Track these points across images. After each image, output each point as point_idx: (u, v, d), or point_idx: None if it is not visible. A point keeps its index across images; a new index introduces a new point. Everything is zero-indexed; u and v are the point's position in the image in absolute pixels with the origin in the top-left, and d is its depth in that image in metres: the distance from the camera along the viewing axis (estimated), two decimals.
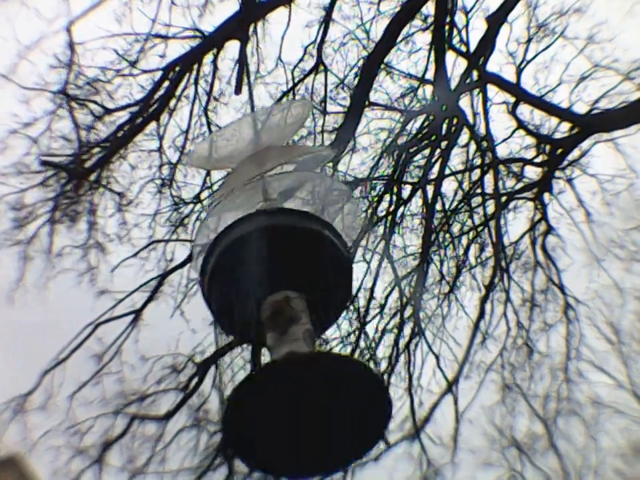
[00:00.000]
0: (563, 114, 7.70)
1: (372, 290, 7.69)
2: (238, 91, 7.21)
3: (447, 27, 7.54)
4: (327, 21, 7.74)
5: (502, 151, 8.04)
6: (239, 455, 1.43)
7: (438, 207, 7.84)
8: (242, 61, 6.98)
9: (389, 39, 7.28)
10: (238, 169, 2.00)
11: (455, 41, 7.71)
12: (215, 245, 1.62)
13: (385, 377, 7.59)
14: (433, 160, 7.83)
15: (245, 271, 1.58)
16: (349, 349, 7.43)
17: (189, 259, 7.62)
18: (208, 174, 7.77)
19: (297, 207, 1.88)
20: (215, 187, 7.61)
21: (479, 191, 7.92)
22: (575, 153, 7.83)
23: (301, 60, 7.88)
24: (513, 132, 7.96)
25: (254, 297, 1.55)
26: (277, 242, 1.60)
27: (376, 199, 7.87)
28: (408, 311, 7.80)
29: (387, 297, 7.75)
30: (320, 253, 1.61)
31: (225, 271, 1.60)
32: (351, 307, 7.43)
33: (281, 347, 1.41)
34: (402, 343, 7.70)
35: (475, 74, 7.67)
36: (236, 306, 1.60)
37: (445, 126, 7.85)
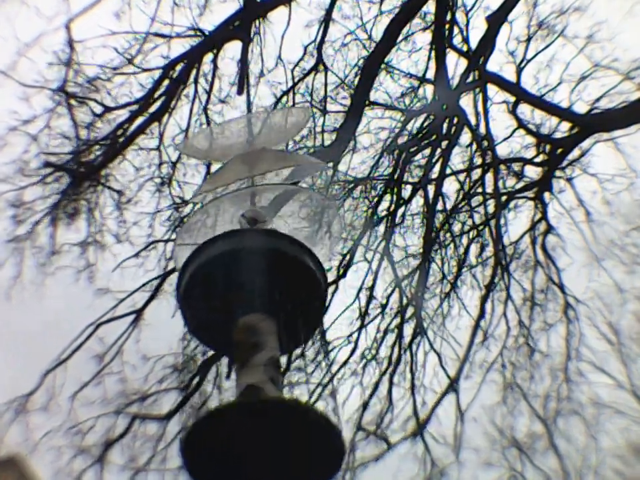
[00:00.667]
0: (563, 113, 7.71)
1: (372, 290, 7.71)
2: (240, 90, 7.26)
3: (447, 27, 7.55)
4: (327, 20, 7.74)
5: (502, 151, 8.08)
6: None
7: (439, 206, 7.86)
8: (244, 61, 6.99)
9: (389, 39, 7.29)
10: (229, 164, 2.00)
11: (456, 40, 7.72)
12: (191, 260, 1.62)
13: (387, 376, 7.63)
14: (434, 160, 7.85)
15: (218, 291, 1.59)
16: (350, 348, 7.46)
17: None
18: (208, 173, 7.76)
19: (288, 220, 1.89)
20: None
21: (479, 190, 7.94)
22: (575, 153, 7.85)
23: (301, 59, 7.88)
24: (513, 131, 7.98)
25: (228, 317, 1.56)
26: (252, 263, 1.59)
27: (376, 198, 7.88)
28: (409, 311, 7.82)
29: (388, 297, 7.77)
30: (295, 277, 1.62)
31: (199, 289, 1.60)
32: (353, 308, 7.46)
33: (241, 378, 1.43)
34: (403, 342, 7.72)
35: (475, 73, 7.68)
36: (209, 324, 1.62)
37: (445, 125, 7.86)
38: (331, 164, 7.23)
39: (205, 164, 7.19)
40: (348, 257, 7.54)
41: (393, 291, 7.80)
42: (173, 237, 7.79)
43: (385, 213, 7.85)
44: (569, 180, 7.99)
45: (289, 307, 1.59)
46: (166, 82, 7.71)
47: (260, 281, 1.58)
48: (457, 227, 8.08)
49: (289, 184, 2.04)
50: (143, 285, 7.49)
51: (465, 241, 8.06)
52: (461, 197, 7.98)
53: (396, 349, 7.72)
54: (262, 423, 1.37)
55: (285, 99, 7.89)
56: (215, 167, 7.44)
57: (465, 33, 7.78)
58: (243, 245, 1.63)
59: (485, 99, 7.76)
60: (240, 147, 2.01)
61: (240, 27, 7.57)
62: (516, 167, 8.15)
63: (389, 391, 7.67)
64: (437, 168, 7.87)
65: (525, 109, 7.95)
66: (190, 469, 1.41)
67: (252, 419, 1.38)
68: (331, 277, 7.31)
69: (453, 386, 7.67)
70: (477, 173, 7.99)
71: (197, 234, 1.90)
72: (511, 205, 8.09)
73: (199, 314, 1.62)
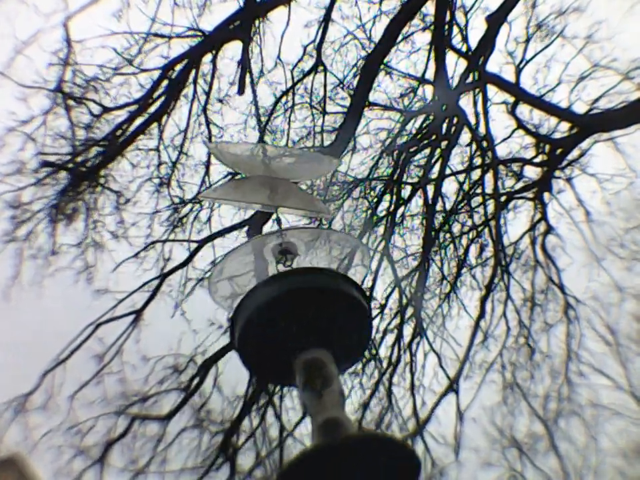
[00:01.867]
0: (563, 114, 7.72)
1: (372, 290, 7.71)
2: (241, 91, 7.27)
3: (446, 27, 7.55)
4: (326, 20, 7.73)
5: (502, 151, 8.09)
6: None
7: (438, 206, 7.86)
8: (244, 62, 6.99)
9: (389, 39, 7.29)
10: (249, 181, 2.03)
11: (455, 40, 7.73)
12: (243, 305, 1.65)
13: (386, 377, 7.64)
14: (433, 160, 7.86)
15: (275, 332, 1.61)
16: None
17: (189, 259, 7.63)
18: (207, 174, 7.77)
19: (318, 253, 1.93)
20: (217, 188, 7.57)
21: (479, 190, 7.95)
22: (575, 153, 7.86)
23: (301, 59, 7.88)
24: (513, 132, 7.99)
25: (285, 356, 1.59)
26: (306, 302, 1.63)
27: (376, 199, 7.89)
28: (409, 311, 7.82)
29: (387, 297, 7.78)
30: (345, 312, 1.66)
31: (255, 332, 1.63)
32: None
33: (322, 413, 1.46)
34: (403, 342, 7.73)
35: (474, 74, 7.68)
36: (269, 363, 1.65)
37: (445, 126, 7.87)
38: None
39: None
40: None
41: (392, 291, 7.81)
42: (172, 237, 7.80)
43: (384, 213, 7.87)
44: (569, 180, 8.01)
45: (342, 339, 1.64)
46: (165, 82, 7.70)
47: (317, 318, 1.62)
48: (456, 227, 8.10)
49: (318, 228, 2.10)
50: (142, 285, 7.49)
51: (464, 241, 8.09)
52: (460, 197, 7.99)
53: (396, 349, 7.73)
54: (353, 460, 1.40)
55: (284, 99, 7.91)
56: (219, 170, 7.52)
57: (464, 34, 7.80)
58: (289, 287, 1.65)
59: (485, 99, 7.77)
60: (260, 167, 2.04)
61: (239, 27, 7.56)
62: (515, 167, 8.17)
63: (389, 391, 7.68)
64: (436, 168, 7.88)
65: (524, 109, 7.98)
66: None
67: (344, 457, 1.40)
68: None
69: (452, 386, 7.67)
70: (476, 173, 8.00)
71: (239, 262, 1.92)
72: (511, 205, 8.12)
73: (258, 356, 1.66)
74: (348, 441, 1.44)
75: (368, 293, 7.38)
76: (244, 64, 7.18)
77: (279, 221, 1.95)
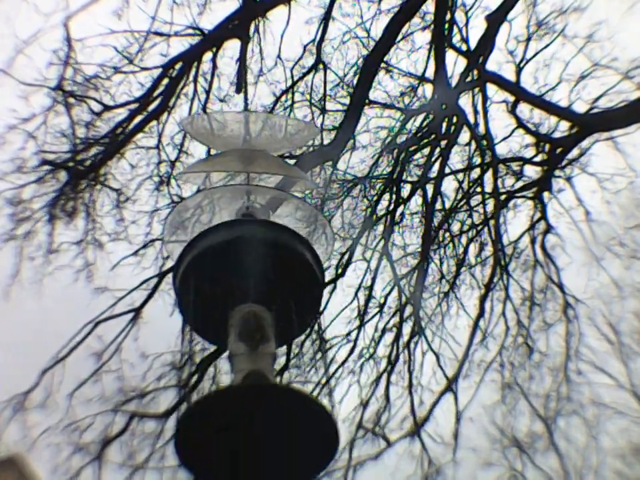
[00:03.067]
0: (563, 113, 7.71)
1: (371, 289, 7.71)
2: (239, 89, 7.27)
3: (446, 26, 7.54)
4: (326, 19, 7.73)
5: (501, 150, 8.08)
6: (187, 468, 1.43)
7: (438, 205, 7.86)
8: (243, 60, 6.99)
9: (389, 38, 7.29)
10: (225, 155, 2.01)
11: (455, 39, 7.72)
12: (190, 248, 1.61)
13: (385, 376, 7.63)
14: (433, 159, 7.85)
15: (216, 279, 1.58)
16: (348, 347, 7.45)
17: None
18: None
19: (284, 221, 1.88)
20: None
21: (478, 189, 7.94)
22: (575, 152, 7.85)
23: (301, 58, 7.88)
24: (513, 131, 7.98)
25: (224, 306, 1.54)
26: (251, 253, 1.59)
27: (375, 197, 7.89)
28: (408, 310, 7.81)
29: (386, 296, 7.77)
30: (294, 270, 1.61)
31: (197, 276, 1.59)
32: (351, 307, 7.44)
33: (251, 365, 1.42)
34: (402, 342, 7.72)
35: (474, 73, 7.68)
36: (206, 312, 1.60)
37: (444, 125, 7.86)
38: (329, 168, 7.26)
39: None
40: (347, 256, 7.55)
41: (391, 290, 7.81)
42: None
43: (384, 212, 7.86)
44: (569, 179, 7.99)
45: (286, 299, 1.58)
46: (165, 81, 7.70)
47: (258, 271, 1.57)
48: (456, 226, 8.10)
49: (284, 190, 2.05)
50: (141, 283, 7.50)
51: (464, 240, 8.08)
52: (460, 196, 7.99)
53: (394, 348, 7.73)
54: (264, 407, 1.37)
55: (284, 97, 7.91)
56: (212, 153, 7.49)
57: (464, 33, 7.79)
58: (242, 233, 1.62)
59: (485, 99, 7.77)
60: (239, 141, 2.02)
61: (239, 25, 7.56)
62: (515, 166, 8.15)
63: (387, 390, 7.67)
64: (436, 167, 7.88)
65: (524, 109, 7.97)
66: (183, 451, 1.39)
67: (254, 402, 1.37)
68: (329, 275, 7.31)
69: (451, 385, 7.66)
70: (476, 172, 8.00)
71: (190, 225, 1.89)
72: (510, 204, 8.11)
73: (196, 303, 1.60)
74: (261, 386, 1.40)
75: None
76: (242, 62, 7.19)
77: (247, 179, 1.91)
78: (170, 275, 7.36)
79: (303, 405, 1.38)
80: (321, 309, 1.78)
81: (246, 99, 7.61)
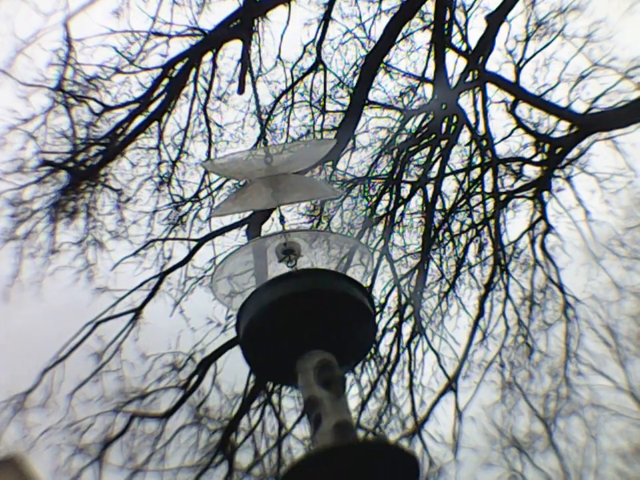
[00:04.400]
0: (562, 113, 7.71)
1: (371, 289, 7.70)
2: (241, 90, 7.28)
3: (446, 26, 7.55)
4: (326, 19, 7.74)
5: (501, 150, 8.08)
6: None
7: (437, 205, 7.86)
8: (244, 61, 7.00)
9: (389, 38, 7.29)
10: (251, 186, 2.04)
11: (455, 39, 7.73)
12: (253, 299, 1.66)
13: (385, 375, 7.63)
14: (433, 159, 7.85)
15: (278, 333, 1.62)
16: None
17: (189, 258, 7.63)
18: (207, 172, 7.77)
19: (318, 253, 1.94)
20: (218, 187, 7.65)
21: (478, 189, 7.94)
22: (574, 152, 7.85)
23: (300, 58, 7.89)
24: (512, 131, 7.98)
25: (288, 357, 1.59)
26: (309, 304, 1.64)
27: (375, 198, 7.89)
28: (408, 310, 7.82)
29: (386, 296, 7.78)
30: (350, 313, 1.66)
31: (258, 335, 1.64)
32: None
33: (335, 414, 1.46)
34: (402, 341, 7.72)
35: (474, 73, 7.68)
36: (271, 363, 1.66)
37: (444, 125, 7.86)
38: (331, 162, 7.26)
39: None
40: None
41: (391, 290, 7.81)
42: (172, 235, 7.81)
43: (383, 212, 7.86)
44: (568, 179, 8.00)
45: (346, 344, 1.64)
46: (165, 81, 7.71)
47: (321, 320, 1.63)
48: (455, 226, 8.10)
49: (321, 230, 2.12)
50: (142, 283, 7.50)
51: (463, 240, 8.08)
52: (460, 196, 7.99)
53: (394, 348, 7.73)
54: (360, 464, 1.40)
55: (284, 98, 7.92)
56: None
57: (464, 32, 7.79)
58: (304, 287, 1.66)
59: (484, 98, 7.77)
60: (260, 167, 2.05)
61: (239, 26, 7.57)
62: (515, 166, 8.16)
63: (388, 390, 7.68)
64: (435, 167, 7.88)
65: (523, 108, 7.97)
66: None
67: (351, 460, 1.40)
68: None
69: (451, 385, 7.67)
70: (476, 172, 8.00)
71: (237, 274, 1.94)
72: (510, 204, 8.11)
73: (261, 356, 1.67)
74: (362, 443, 1.47)
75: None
76: (244, 63, 7.20)
77: (282, 218, 1.96)
78: (170, 276, 7.40)
79: (395, 457, 1.42)
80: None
81: (257, 97, 7.64)
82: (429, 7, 7.46)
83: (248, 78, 7.34)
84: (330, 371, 1.55)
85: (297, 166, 2.11)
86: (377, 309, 7.67)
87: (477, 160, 7.97)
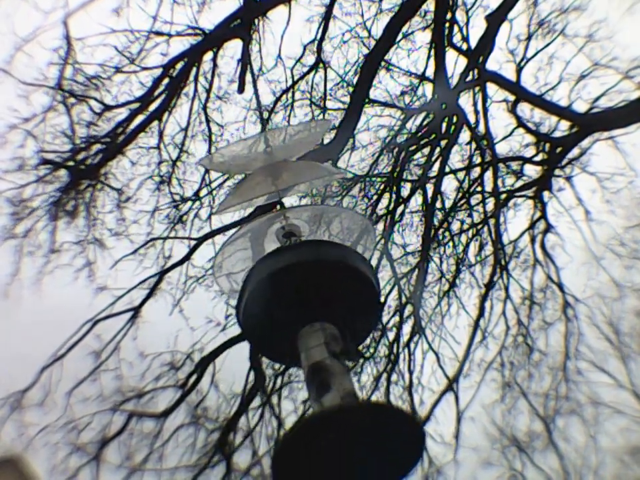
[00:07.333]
0: (563, 112, 7.70)
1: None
2: (241, 89, 7.29)
3: (447, 25, 7.55)
4: (327, 18, 7.74)
5: (501, 149, 8.07)
6: None
7: (438, 205, 7.85)
8: (245, 60, 7.01)
9: (389, 37, 7.30)
10: (251, 178, 2.02)
11: (455, 39, 7.72)
12: (250, 277, 1.64)
13: (385, 375, 7.61)
14: (433, 158, 7.85)
15: (280, 304, 1.60)
16: None
17: (188, 257, 7.62)
18: (207, 172, 7.78)
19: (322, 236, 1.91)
20: (218, 186, 7.65)
21: (478, 189, 7.94)
22: (575, 152, 7.85)
23: (301, 57, 7.89)
24: (513, 130, 7.98)
25: (289, 329, 1.57)
26: (312, 275, 1.62)
27: (375, 196, 7.88)
28: (408, 310, 7.80)
29: (386, 296, 7.75)
30: (351, 283, 1.64)
31: (260, 304, 1.62)
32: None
33: (344, 384, 1.46)
34: (402, 341, 7.70)
35: (475, 72, 7.68)
36: (271, 336, 1.64)
37: (444, 124, 7.86)
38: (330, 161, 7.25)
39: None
40: None
41: (391, 290, 7.78)
42: (172, 234, 7.81)
43: (384, 211, 7.85)
44: (568, 179, 7.99)
45: (350, 315, 1.61)
46: (166, 80, 7.72)
47: (324, 291, 1.60)
48: (456, 226, 8.09)
49: (320, 205, 2.10)
50: (141, 282, 7.49)
51: (464, 239, 8.07)
52: (460, 195, 7.98)
53: (394, 348, 7.70)
54: (366, 425, 1.40)
55: (284, 97, 7.92)
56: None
57: (464, 32, 7.79)
58: (301, 258, 1.64)
59: (485, 98, 7.77)
60: (259, 158, 2.03)
61: (240, 25, 7.58)
62: (515, 165, 8.15)
63: (387, 390, 7.65)
64: (436, 166, 7.88)
65: (524, 108, 7.97)
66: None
67: (352, 423, 1.40)
68: None
69: (451, 385, 7.64)
70: (476, 172, 7.99)
71: (237, 256, 1.91)
72: (510, 203, 8.10)
73: (261, 328, 1.64)
74: (374, 404, 1.50)
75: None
76: (244, 62, 7.20)
77: (281, 204, 1.93)
78: (169, 275, 7.38)
79: (399, 419, 1.42)
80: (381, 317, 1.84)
81: (257, 97, 7.65)
82: (430, 6, 7.48)
83: (248, 77, 7.35)
84: (337, 343, 1.53)
85: (296, 152, 2.09)
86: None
87: (477, 159, 7.97)
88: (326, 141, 7.53)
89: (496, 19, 7.43)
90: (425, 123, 7.93)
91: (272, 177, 1.94)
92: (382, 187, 7.87)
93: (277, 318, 1.60)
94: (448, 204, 7.93)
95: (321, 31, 7.74)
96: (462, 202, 7.98)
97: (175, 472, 7.14)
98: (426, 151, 7.92)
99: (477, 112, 7.78)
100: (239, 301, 1.65)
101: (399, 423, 1.40)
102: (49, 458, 7.03)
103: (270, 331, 1.62)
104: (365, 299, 1.65)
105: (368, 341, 7.59)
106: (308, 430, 1.38)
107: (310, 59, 7.86)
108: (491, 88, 7.81)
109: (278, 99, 7.90)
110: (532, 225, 8.09)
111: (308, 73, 7.88)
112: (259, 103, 7.13)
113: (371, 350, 7.67)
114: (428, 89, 7.98)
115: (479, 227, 7.95)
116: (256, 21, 7.72)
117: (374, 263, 7.64)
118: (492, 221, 7.79)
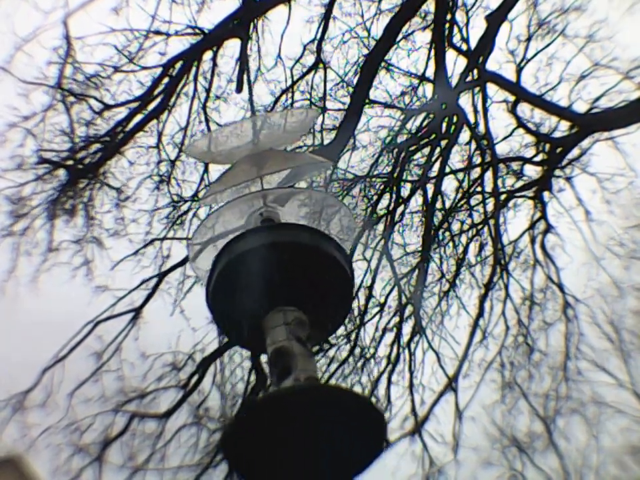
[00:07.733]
0: (563, 113, 7.71)
1: (371, 288, 7.70)
2: (239, 89, 7.26)
3: (447, 25, 7.54)
4: (327, 18, 7.72)
5: (502, 150, 8.08)
6: (239, 473, 1.45)
7: (438, 205, 7.86)
8: (243, 60, 6.99)
9: (389, 37, 7.29)
10: (236, 166, 2.02)
11: (455, 39, 7.71)
12: (219, 258, 1.63)
13: (385, 375, 7.63)
14: (433, 158, 7.85)
15: (247, 286, 1.58)
16: (349, 346, 7.45)
17: (188, 256, 7.61)
18: (206, 171, 7.77)
19: (295, 211, 1.89)
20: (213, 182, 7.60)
21: (478, 189, 7.94)
22: (575, 152, 7.86)
23: (301, 57, 7.87)
24: (513, 130, 7.99)
25: (255, 312, 1.55)
26: (280, 258, 1.60)
27: (375, 197, 7.88)
28: (408, 310, 7.82)
29: (386, 296, 7.77)
30: (322, 270, 1.62)
31: (228, 285, 1.60)
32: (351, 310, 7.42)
33: (306, 370, 1.44)
34: (402, 341, 7.72)
35: (475, 72, 7.67)
36: (238, 318, 1.61)
37: (444, 124, 7.85)
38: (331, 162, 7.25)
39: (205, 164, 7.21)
40: None
41: (391, 290, 7.80)
42: (172, 234, 7.80)
43: (384, 211, 7.85)
44: (569, 179, 8.00)
45: (319, 300, 1.60)
46: (165, 79, 7.70)
47: (291, 275, 1.59)
48: (456, 226, 8.10)
49: (294, 187, 2.07)
50: (141, 282, 7.49)
51: (464, 239, 8.08)
52: (460, 195, 7.99)
53: (395, 348, 7.73)
54: (322, 407, 1.39)
55: (284, 97, 7.91)
56: (217, 168, 7.50)
57: (464, 32, 7.78)
58: (273, 240, 1.63)
59: (485, 98, 7.76)
60: (246, 148, 2.02)
61: (239, 25, 7.55)
62: (515, 165, 8.16)
63: (388, 390, 7.68)
64: (436, 167, 7.88)
65: (524, 108, 7.98)
66: (232, 457, 1.42)
67: (307, 404, 1.39)
68: None
69: (451, 385, 7.67)
70: (476, 172, 7.99)
71: (213, 234, 1.90)
72: (510, 203, 8.11)
73: (229, 309, 1.63)
74: (328, 387, 1.48)
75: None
76: (242, 62, 7.18)
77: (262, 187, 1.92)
78: (170, 275, 7.38)
79: (355, 403, 1.40)
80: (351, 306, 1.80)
81: (251, 97, 7.63)
82: (430, 6, 7.47)
83: (246, 77, 7.34)
84: (304, 329, 1.51)
85: (283, 141, 2.08)
86: (376, 308, 7.66)
87: (478, 159, 7.97)
88: (326, 142, 7.55)
89: (496, 19, 7.42)
90: (425, 123, 7.93)
91: (257, 166, 1.94)
92: (382, 187, 7.87)
93: (242, 301, 1.58)
94: (448, 204, 7.96)
95: (320, 31, 7.74)
96: (462, 202, 8.00)
97: (178, 472, 7.17)
98: (426, 151, 7.92)
99: (476, 112, 7.79)
100: (207, 284, 1.63)
101: (358, 409, 1.38)
102: (51, 459, 7.05)
103: (238, 315, 1.60)
104: (337, 287, 1.63)
105: (366, 340, 7.63)
106: (259, 410, 1.37)
107: (310, 59, 7.86)
108: (491, 88, 7.83)
109: (277, 99, 7.89)
110: (532, 225, 8.11)
111: (308, 73, 7.86)
112: (252, 103, 7.06)
113: (372, 350, 7.70)
114: (428, 89, 7.99)
115: (479, 227, 7.96)
116: (255, 20, 7.70)
117: (374, 263, 7.67)
118: (492, 221, 7.80)
